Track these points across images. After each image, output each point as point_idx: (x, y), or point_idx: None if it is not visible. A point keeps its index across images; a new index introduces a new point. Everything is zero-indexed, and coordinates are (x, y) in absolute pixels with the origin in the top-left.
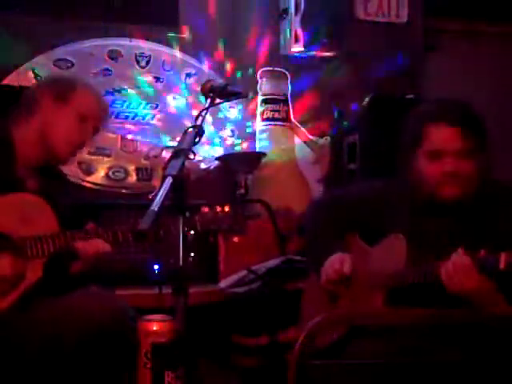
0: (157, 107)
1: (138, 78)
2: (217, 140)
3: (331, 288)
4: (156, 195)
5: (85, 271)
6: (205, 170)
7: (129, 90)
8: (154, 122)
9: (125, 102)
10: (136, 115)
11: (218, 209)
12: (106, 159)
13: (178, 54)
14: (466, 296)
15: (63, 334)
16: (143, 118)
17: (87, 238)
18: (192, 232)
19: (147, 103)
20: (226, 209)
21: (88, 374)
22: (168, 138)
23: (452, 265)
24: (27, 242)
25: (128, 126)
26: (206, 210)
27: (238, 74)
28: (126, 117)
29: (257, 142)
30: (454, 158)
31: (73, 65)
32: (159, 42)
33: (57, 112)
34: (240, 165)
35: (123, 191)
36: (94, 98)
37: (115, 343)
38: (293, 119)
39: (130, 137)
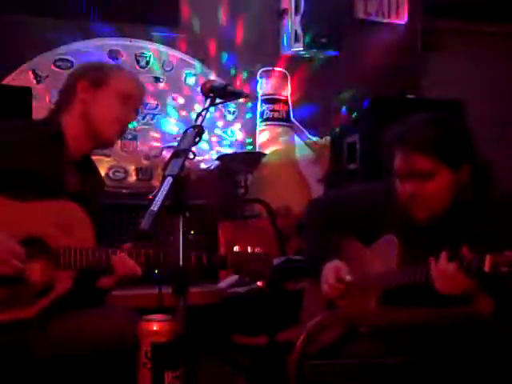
0: (157, 107)
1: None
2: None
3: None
4: (156, 195)
5: (111, 287)
6: (205, 169)
7: None
8: (153, 121)
9: None
10: None
11: (250, 249)
12: (106, 159)
13: (178, 54)
14: (455, 296)
15: (77, 353)
16: (143, 118)
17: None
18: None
19: (147, 103)
20: (257, 250)
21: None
22: (168, 138)
23: (439, 268)
24: (62, 251)
25: (128, 126)
26: (237, 249)
27: (238, 74)
28: None
29: (257, 141)
30: (413, 180)
31: (73, 65)
32: (159, 42)
33: (96, 95)
34: (240, 165)
35: (123, 191)
36: (131, 78)
37: (130, 362)
38: (293, 119)
39: (129, 137)
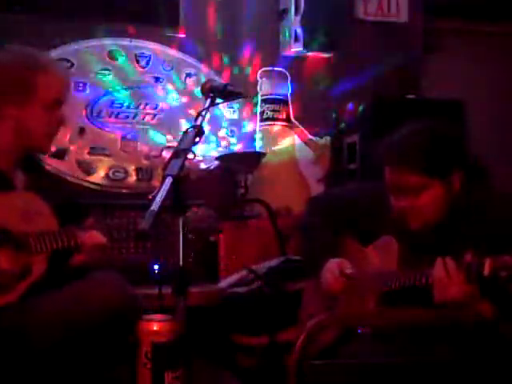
0: (157, 107)
1: (138, 78)
2: (213, 139)
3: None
4: (156, 195)
5: (84, 264)
6: (205, 170)
7: (129, 90)
8: (153, 121)
9: (125, 102)
10: (136, 115)
11: (195, 209)
12: (106, 159)
13: (177, 54)
14: (452, 303)
15: (72, 323)
16: (143, 118)
17: (86, 230)
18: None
19: (147, 103)
20: (201, 210)
21: (97, 361)
22: (168, 138)
23: (438, 272)
24: (30, 238)
25: (128, 126)
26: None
27: (238, 74)
28: (126, 117)
29: (256, 141)
30: (406, 194)
31: (73, 65)
32: (159, 42)
33: (25, 110)
34: (240, 165)
35: (123, 191)
36: (57, 79)
37: (126, 329)
38: (293, 119)
39: (129, 137)
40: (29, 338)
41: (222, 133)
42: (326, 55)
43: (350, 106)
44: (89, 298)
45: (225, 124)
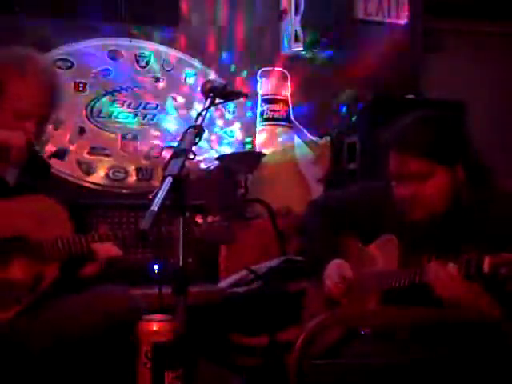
0: (157, 107)
1: (138, 78)
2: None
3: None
4: (156, 195)
5: (96, 273)
6: (205, 169)
7: (129, 90)
8: (154, 121)
9: (125, 102)
10: (136, 115)
11: (210, 219)
12: (106, 159)
13: (178, 54)
14: (452, 300)
15: (77, 330)
16: (143, 118)
17: (101, 241)
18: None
19: (147, 103)
20: (217, 219)
21: (100, 368)
22: (168, 138)
23: (437, 270)
24: (45, 244)
25: (128, 126)
26: (200, 221)
27: (238, 74)
28: (126, 117)
29: (256, 141)
30: (410, 182)
31: (73, 65)
32: (159, 42)
33: None
34: (240, 165)
35: (123, 191)
36: (33, 92)
37: (128, 338)
38: (293, 119)
39: (129, 137)
40: (29, 345)
41: (221, 133)
42: (325, 55)
43: (349, 106)
44: (92, 310)
45: (225, 124)
